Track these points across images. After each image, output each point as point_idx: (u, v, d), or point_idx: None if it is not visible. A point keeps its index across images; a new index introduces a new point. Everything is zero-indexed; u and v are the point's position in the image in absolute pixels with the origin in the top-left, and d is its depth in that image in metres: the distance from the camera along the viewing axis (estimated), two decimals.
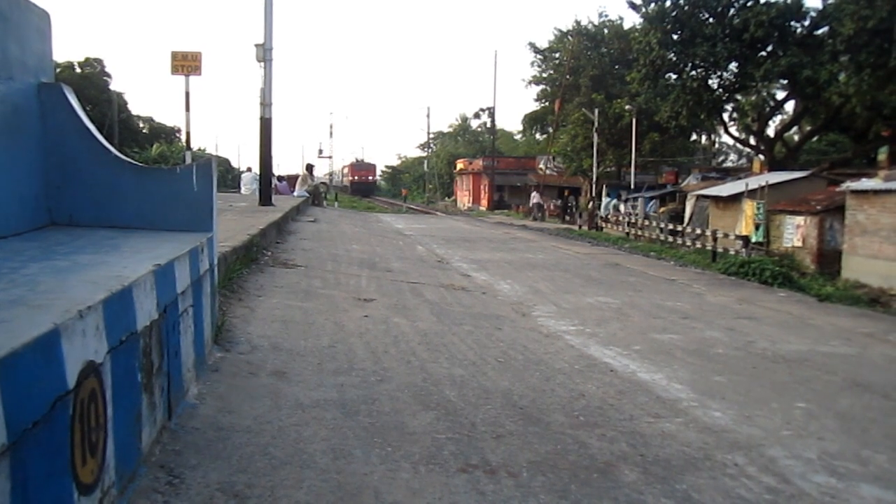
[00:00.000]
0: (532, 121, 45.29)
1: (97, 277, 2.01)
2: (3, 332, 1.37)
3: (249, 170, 26.89)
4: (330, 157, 63.53)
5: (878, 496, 2.43)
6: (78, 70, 46.20)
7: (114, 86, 48.14)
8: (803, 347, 4.66)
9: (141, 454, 2.16)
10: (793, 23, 23.63)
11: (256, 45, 13.28)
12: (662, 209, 25.63)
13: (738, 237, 16.69)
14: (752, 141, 28.30)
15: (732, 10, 23.99)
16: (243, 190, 25.19)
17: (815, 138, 30.35)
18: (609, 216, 26.52)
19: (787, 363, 4.21)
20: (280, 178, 25.46)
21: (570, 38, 37.94)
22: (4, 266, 2.17)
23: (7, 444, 1.21)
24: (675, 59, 25.12)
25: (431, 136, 65.45)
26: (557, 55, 39.47)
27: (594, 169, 32.22)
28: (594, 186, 32.33)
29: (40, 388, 1.37)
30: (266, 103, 13.23)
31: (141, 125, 53.50)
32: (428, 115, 58.23)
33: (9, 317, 1.51)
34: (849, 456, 2.76)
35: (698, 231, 19.28)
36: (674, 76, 25.99)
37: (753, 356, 4.37)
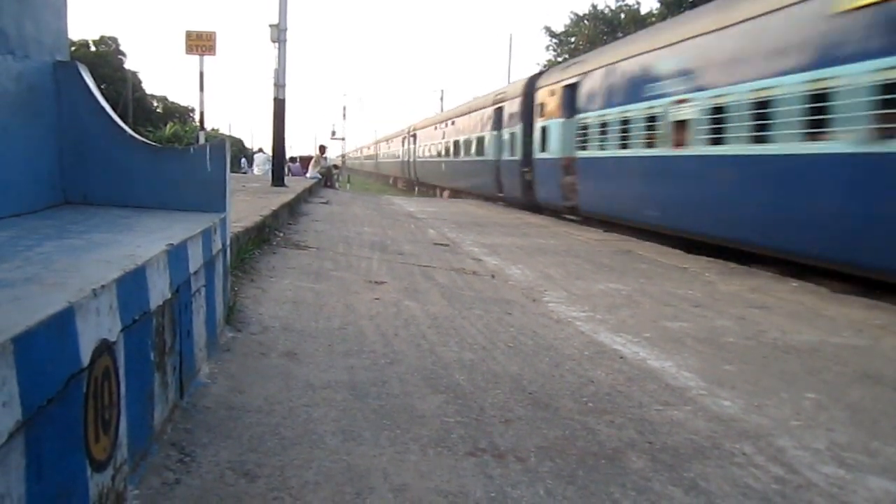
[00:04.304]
0: None
1: (111, 256, 2.02)
2: (19, 310, 1.39)
3: (261, 150, 26.98)
4: (343, 139, 63.39)
5: (887, 488, 2.42)
6: (93, 48, 46.38)
7: (128, 64, 48.46)
8: (814, 338, 4.63)
9: (153, 432, 2.18)
10: None
11: (271, 26, 13.26)
12: None
13: None
14: None
15: None
16: (255, 170, 25.29)
17: None
18: None
19: (797, 353, 4.19)
20: (293, 160, 25.50)
21: (586, 22, 37.60)
22: (19, 244, 2.19)
23: (22, 421, 1.22)
24: None
25: None
26: (573, 39, 39.12)
27: None
28: None
29: (55, 366, 1.38)
30: (280, 84, 13.23)
31: (155, 104, 53.73)
32: (441, 98, 57.75)
33: (24, 295, 1.52)
34: (858, 447, 2.75)
35: None
36: None
37: (764, 346, 4.35)
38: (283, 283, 5.07)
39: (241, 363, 3.23)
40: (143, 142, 3.50)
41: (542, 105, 16.27)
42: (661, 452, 2.60)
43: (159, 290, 2.16)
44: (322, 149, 23.20)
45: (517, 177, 17.88)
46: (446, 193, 27.66)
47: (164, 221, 2.95)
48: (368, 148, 65.92)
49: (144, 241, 2.36)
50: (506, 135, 18.98)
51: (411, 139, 37.15)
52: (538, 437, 2.66)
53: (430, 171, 32.13)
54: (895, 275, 6.63)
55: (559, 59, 39.93)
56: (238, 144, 48.86)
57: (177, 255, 2.38)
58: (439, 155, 29.48)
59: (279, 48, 13.22)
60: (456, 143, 26.12)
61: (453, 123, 26.74)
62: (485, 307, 5.04)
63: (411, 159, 37.16)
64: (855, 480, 2.46)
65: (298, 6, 46.94)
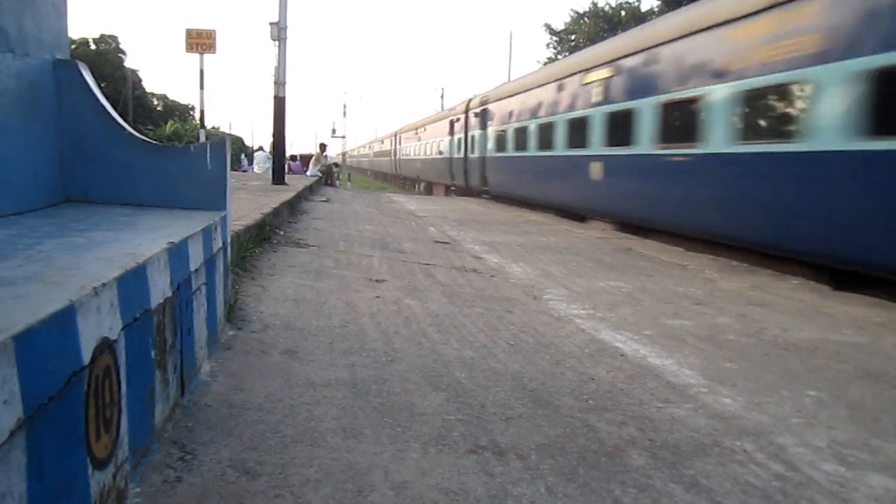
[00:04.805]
0: None
1: (112, 255, 2.02)
2: (20, 307, 1.39)
3: (261, 149, 26.97)
4: (343, 137, 63.19)
5: (887, 485, 2.42)
6: (93, 46, 46.38)
7: (128, 63, 48.41)
8: (815, 336, 4.63)
9: (154, 430, 2.18)
10: None
11: (271, 24, 13.24)
12: None
13: None
14: None
15: None
16: (256, 168, 25.30)
17: None
18: None
19: (798, 351, 4.19)
20: (293, 158, 25.50)
21: (586, 19, 37.58)
22: (20, 242, 2.19)
23: (23, 419, 1.23)
24: None
25: None
26: (573, 37, 39.09)
27: None
28: None
29: (56, 364, 1.38)
30: (280, 82, 13.22)
31: (155, 102, 53.76)
32: (442, 96, 57.63)
33: (25, 293, 1.52)
34: (858, 445, 2.75)
35: None
36: None
37: (764, 343, 4.35)
38: (283, 281, 5.07)
39: (242, 361, 3.23)
40: (143, 140, 3.50)
41: None
42: (661, 450, 2.60)
43: (160, 289, 2.16)
44: (322, 147, 23.19)
45: None
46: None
47: (165, 219, 2.95)
48: (381, 142, 56.24)
49: (145, 240, 2.36)
50: None
51: (476, 120, 21.60)
52: (539, 434, 2.67)
53: (527, 175, 16.48)
54: None
55: (559, 56, 39.90)
56: (238, 142, 48.80)
57: (177, 253, 2.38)
58: (571, 144, 13.32)
59: (279, 46, 13.21)
60: (675, 113, 9.52)
61: (612, 77, 11.50)
62: (485, 305, 5.05)
63: (473, 154, 21.81)
64: (855, 478, 2.46)
65: (299, 4, 46.96)
